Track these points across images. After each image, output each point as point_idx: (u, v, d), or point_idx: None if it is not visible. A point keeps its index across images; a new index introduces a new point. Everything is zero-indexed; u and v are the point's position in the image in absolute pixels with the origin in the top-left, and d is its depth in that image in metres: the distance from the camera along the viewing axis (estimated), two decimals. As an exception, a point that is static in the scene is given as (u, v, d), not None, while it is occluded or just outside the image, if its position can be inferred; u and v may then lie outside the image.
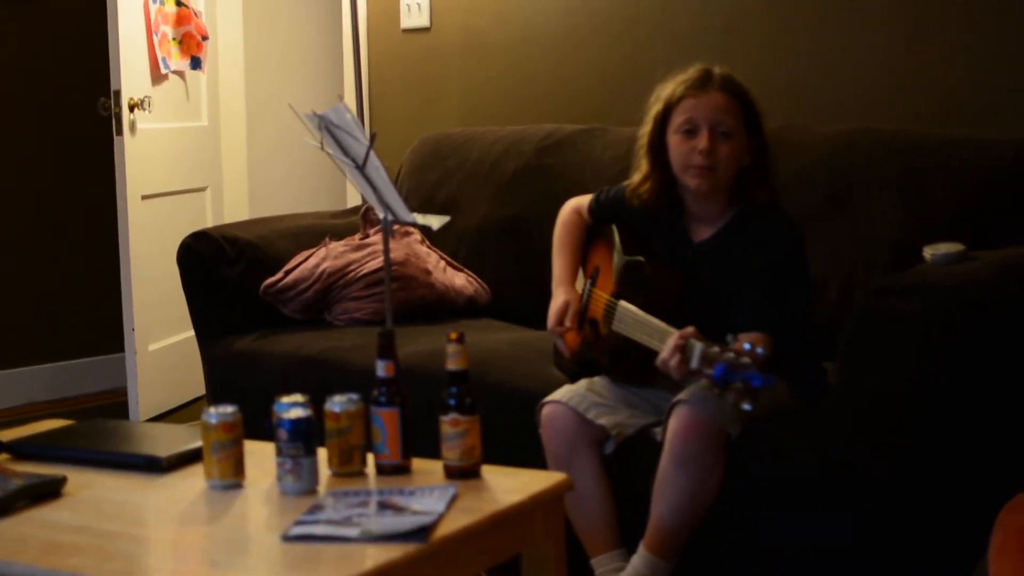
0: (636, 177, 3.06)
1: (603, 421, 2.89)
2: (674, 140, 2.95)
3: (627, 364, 2.95)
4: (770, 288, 2.85)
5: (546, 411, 2.96)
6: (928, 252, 2.92)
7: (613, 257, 3.09)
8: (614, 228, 3.12)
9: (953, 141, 3.33)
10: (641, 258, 2.95)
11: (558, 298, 3.16)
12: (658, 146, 2.99)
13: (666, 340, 2.68)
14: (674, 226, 3.02)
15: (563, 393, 2.96)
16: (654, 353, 2.76)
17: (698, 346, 2.58)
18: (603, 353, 3.03)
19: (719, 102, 2.91)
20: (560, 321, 3.11)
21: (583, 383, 2.99)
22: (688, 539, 2.76)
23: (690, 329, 2.64)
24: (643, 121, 3.04)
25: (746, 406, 2.48)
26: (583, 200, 3.28)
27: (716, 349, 2.54)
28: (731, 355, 2.49)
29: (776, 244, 2.90)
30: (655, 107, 3.01)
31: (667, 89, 2.99)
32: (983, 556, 1.93)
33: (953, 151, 3.30)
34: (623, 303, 2.93)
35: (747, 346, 2.49)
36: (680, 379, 2.66)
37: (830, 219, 3.38)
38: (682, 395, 2.75)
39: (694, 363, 2.58)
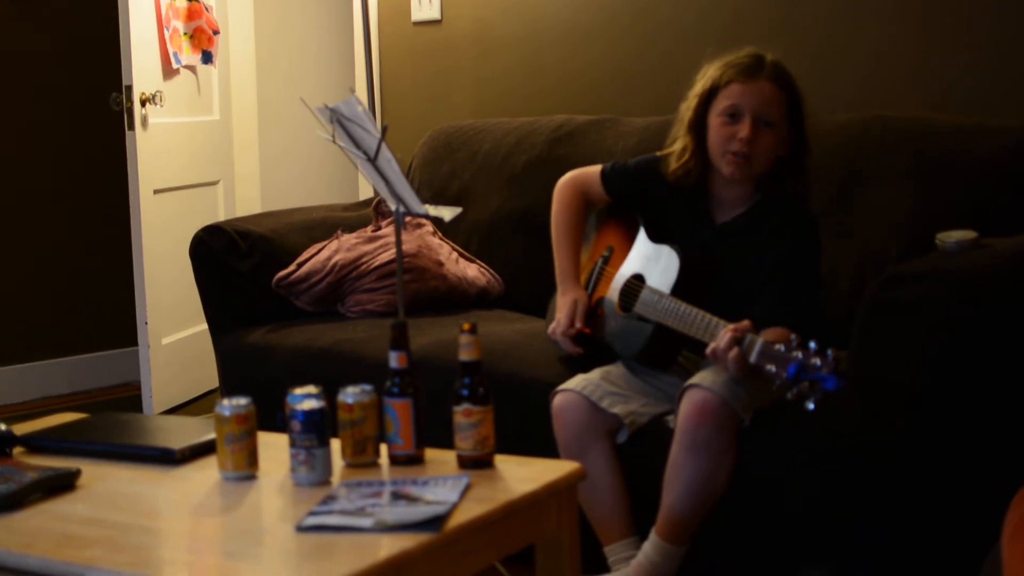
0: (677, 147, 3.02)
1: (616, 410, 2.89)
2: (716, 122, 2.92)
3: (651, 347, 2.94)
4: (794, 282, 2.85)
5: (558, 400, 2.95)
6: (940, 239, 2.92)
7: (631, 238, 3.08)
8: (637, 208, 3.11)
9: (965, 128, 3.33)
10: (675, 246, 2.94)
11: (566, 296, 3.13)
12: (699, 124, 2.96)
13: (711, 330, 2.69)
14: (696, 205, 3.02)
15: (576, 382, 2.96)
16: (680, 338, 2.79)
17: (758, 341, 2.58)
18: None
19: (767, 92, 2.89)
20: (572, 323, 3.09)
21: (597, 372, 2.99)
22: (700, 525, 2.77)
23: (746, 323, 2.65)
24: (685, 96, 3.01)
25: (810, 405, 2.47)
26: (588, 175, 3.23)
27: (780, 346, 2.53)
28: (798, 354, 2.49)
29: (800, 239, 2.90)
30: (700, 84, 2.97)
31: (715, 69, 2.95)
32: (996, 541, 1.93)
33: (965, 138, 3.29)
34: (649, 287, 2.93)
35: (813, 345, 2.48)
36: (736, 372, 2.65)
37: (842, 207, 3.37)
38: (694, 379, 2.75)
39: (753, 357, 2.58)
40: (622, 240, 3.13)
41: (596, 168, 3.23)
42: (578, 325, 3.07)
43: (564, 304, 3.11)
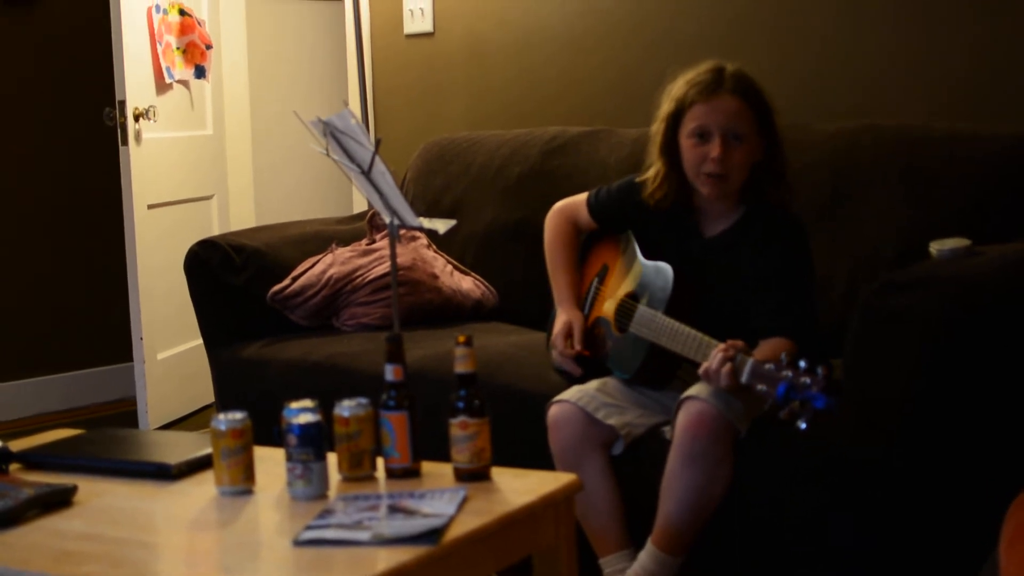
0: (651, 174, 3.03)
1: (612, 421, 2.89)
2: (686, 144, 2.93)
3: (647, 367, 2.95)
4: (788, 291, 2.86)
5: (554, 411, 2.95)
6: (934, 248, 2.92)
7: (625, 256, 3.09)
8: (630, 228, 3.12)
9: (958, 135, 3.33)
10: (667, 264, 2.94)
11: (560, 318, 3.15)
12: (671, 146, 2.97)
13: (703, 350, 2.71)
14: (684, 221, 3.02)
15: (572, 393, 2.96)
16: (676, 357, 2.80)
17: (748, 361, 2.60)
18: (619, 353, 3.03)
19: (731, 108, 2.88)
20: (566, 344, 3.10)
21: (593, 383, 2.99)
22: (696, 535, 2.77)
23: (739, 343, 2.66)
24: (654, 118, 3.02)
25: (802, 425, 2.48)
26: (575, 204, 3.26)
27: (770, 366, 2.54)
28: (788, 373, 2.50)
29: (790, 247, 2.91)
30: (666, 106, 2.97)
31: (678, 89, 2.95)
32: (993, 550, 1.93)
33: (958, 145, 3.29)
34: (643, 306, 2.93)
35: (803, 364, 2.49)
36: (728, 390, 2.66)
37: (835, 216, 3.38)
38: (690, 390, 2.76)
39: (744, 377, 2.59)
40: (616, 259, 3.14)
41: (582, 197, 3.25)
42: (577, 347, 3.08)
43: (557, 325, 3.13)
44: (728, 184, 2.91)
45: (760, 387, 2.56)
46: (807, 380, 2.47)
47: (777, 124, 2.94)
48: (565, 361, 3.11)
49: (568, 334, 3.11)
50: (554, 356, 3.15)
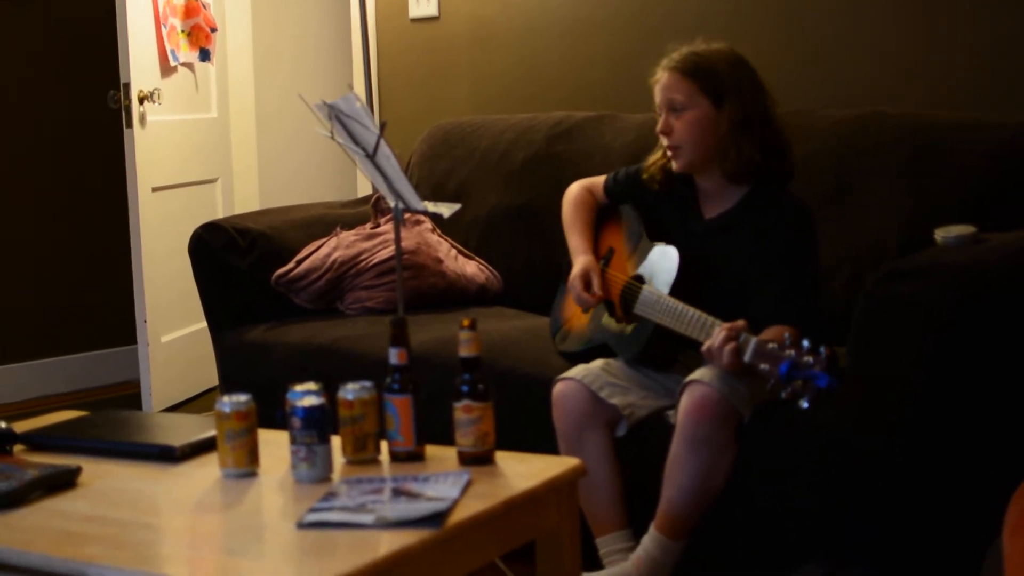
0: (651, 159, 3.13)
1: (615, 401, 2.90)
2: None
3: (651, 348, 2.96)
4: (791, 280, 2.86)
5: (559, 388, 2.97)
6: (939, 234, 2.92)
7: (631, 240, 3.11)
8: (636, 211, 3.16)
9: (963, 124, 3.32)
10: (673, 247, 2.96)
11: (578, 266, 3.18)
12: None
13: (707, 329, 2.73)
14: (686, 202, 3.06)
15: (577, 371, 2.97)
16: (679, 338, 2.81)
17: (752, 340, 2.61)
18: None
19: (667, 81, 3.01)
20: (586, 286, 3.12)
21: (598, 362, 3.01)
22: (699, 520, 2.77)
23: (742, 322, 2.68)
24: None
25: (804, 404, 2.50)
26: (594, 180, 3.33)
27: (773, 345, 2.55)
28: (791, 352, 2.51)
29: (793, 233, 2.91)
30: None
31: None
32: (995, 539, 1.93)
33: (963, 134, 3.29)
34: (648, 288, 2.94)
35: (806, 343, 2.51)
36: (729, 370, 2.67)
37: (839, 204, 3.37)
38: (695, 374, 2.76)
39: (748, 356, 2.60)
40: (622, 242, 3.16)
41: (602, 177, 3.32)
42: (596, 290, 3.11)
43: (574, 271, 3.16)
44: (684, 154, 2.98)
45: (763, 366, 2.56)
46: (810, 359, 2.48)
47: (748, 90, 2.96)
48: (584, 300, 3.14)
49: (585, 277, 3.13)
50: (574, 296, 3.17)
